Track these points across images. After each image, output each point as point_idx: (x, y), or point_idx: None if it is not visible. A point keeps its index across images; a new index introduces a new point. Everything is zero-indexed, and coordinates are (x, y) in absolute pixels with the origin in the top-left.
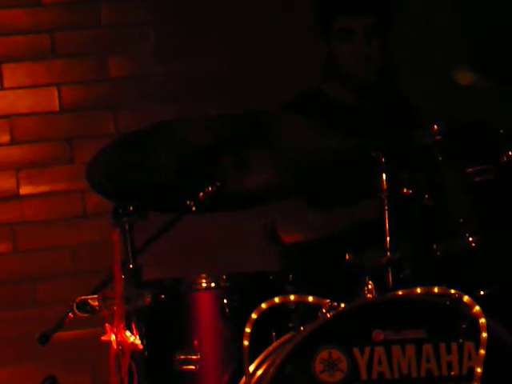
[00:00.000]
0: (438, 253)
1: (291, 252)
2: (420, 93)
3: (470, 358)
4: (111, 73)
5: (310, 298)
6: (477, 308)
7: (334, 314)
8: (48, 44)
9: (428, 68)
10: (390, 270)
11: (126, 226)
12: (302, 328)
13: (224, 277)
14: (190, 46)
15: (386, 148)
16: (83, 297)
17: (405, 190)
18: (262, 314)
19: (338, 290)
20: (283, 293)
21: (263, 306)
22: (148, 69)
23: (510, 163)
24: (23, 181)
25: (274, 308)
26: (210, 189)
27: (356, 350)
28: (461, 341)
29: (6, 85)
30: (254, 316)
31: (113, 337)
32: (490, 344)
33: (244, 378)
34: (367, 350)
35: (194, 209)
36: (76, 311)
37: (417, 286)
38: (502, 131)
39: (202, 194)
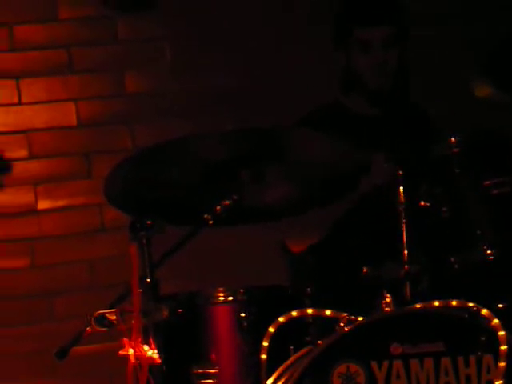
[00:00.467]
0: (456, 265)
1: (307, 264)
2: (437, 104)
3: (488, 372)
4: (127, 88)
5: (328, 312)
6: (495, 321)
7: (351, 327)
8: (65, 59)
9: (444, 80)
10: (407, 282)
11: (144, 240)
12: (319, 342)
13: (241, 290)
14: (206, 62)
15: (404, 160)
16: (101, 311)
17: (422, 203)
18: (280, 328)
19: (355, 303)
20: (301, 306)
21: (281, 319)
22: (164, 84)
23: None
24: (41, 195)
25: (291, 321)
26: (227, 202)
27: (374, 364)
28: (479, 354)
29: (23, 100)
30: (271, 330)
31: (131, 351)
32: (510, 357)
33: None
34: (385, 363)
35: (211, 222)
36: (94, 325)
37: (435, 299)
38: None
39: (219, 207)
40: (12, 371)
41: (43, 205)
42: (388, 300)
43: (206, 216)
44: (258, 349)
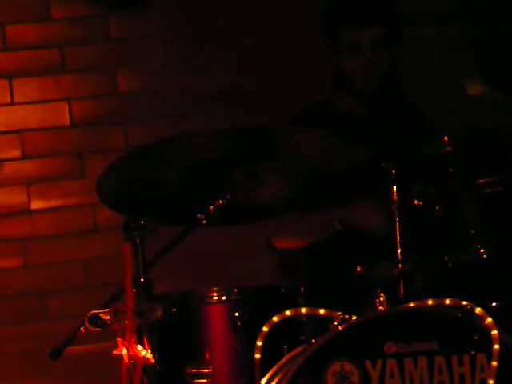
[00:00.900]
0: (450, 264)
1: (300, 263)
2: (431, 103)
3: (482, 370)
4: (120, 87)
5: (322, 311)
6: (489, 320)
7: (345, 326)
8: (58, 59)
9: (439, 79)
10: (401, 281)
11: (137, 240)
12: (313, 341)
13: (235, 290)
14: (199, 60)
15: (397, 159)
16: (94, 311)
17: (415, 202)
18: (274, 327)
19: (349, 302)
20: (295, 306)
21: (275, 318)
22: (157, 83)
23: None
24: (34, 195)
25: (285, 321)
26: (221, 202)
27: (368, 363)
28: (473, 353)
29: (16, 100)
30: (265, 329)
31: (124, 351)
32: (503, 356)
33: None
34: (379, 362)
35: (204, 222)
36: (87, 325)
37: (428, 298)
38: None
39: (212, 207)
40: (5, 371)
41: (36, 205)
42: (382, 299)
43: (199, 216)
44: (252, 348)
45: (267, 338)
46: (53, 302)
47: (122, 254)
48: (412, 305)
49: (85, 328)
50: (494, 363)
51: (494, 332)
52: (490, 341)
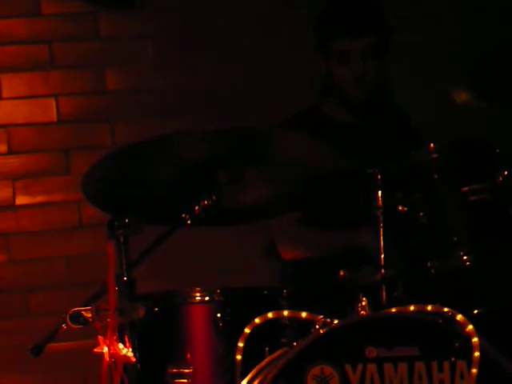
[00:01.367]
0: (432, 271)
1: (286, 267)
2: (419, 112)
3: (462, 377)
4: (109, 85)
5: (304, 314)
6: (470, 327)
7: (327, 330)
8: (46, 55)
9: (426, 87)
10: (383, 287)
11: (121, 239)
12: (294, 343)
13: (218, 291)
14: (189, 59)
15: (382, 165)
16: (77, 308)
17: (400, 208)
18: (256, 329)
19: (331, 306)
20: (277, 308)
21: (257, 320)
22: (146, 82)
23: (506, 183)
24: (19, 191)
25: (267, 323)
26: (206, 202)
27: (348, 367)
28: (453, 359)
29: (3, 95)
30: (247, 331)
31: (105, 349)
32: (482, 363)
33: None
34: (359, 366)
35: (189, 222)
36: (69, 323)
37: (410, 304)
38: (498, 151)
39: (197, 207)
40: None
41: (21, 200)
42: (364, 304)
43: (183, 216)
44: (234, 349)
45: (249, 339)
46: (35, 297)
47: (106, 251)
48: (394, 310)
49: (66, 325)
50: (474, 370)
51: (475, 339)
52: (470, 348)
